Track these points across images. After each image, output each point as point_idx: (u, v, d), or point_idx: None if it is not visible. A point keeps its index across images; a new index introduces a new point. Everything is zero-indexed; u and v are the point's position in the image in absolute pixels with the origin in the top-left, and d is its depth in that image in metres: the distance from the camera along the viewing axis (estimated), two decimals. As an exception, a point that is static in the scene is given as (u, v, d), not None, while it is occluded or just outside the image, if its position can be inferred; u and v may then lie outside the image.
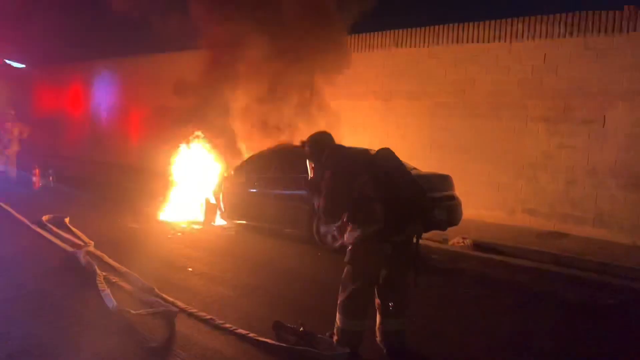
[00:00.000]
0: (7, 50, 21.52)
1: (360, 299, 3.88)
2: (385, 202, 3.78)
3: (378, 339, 4.03)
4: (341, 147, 4.26)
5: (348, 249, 3.94)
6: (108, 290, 4.93)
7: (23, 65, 25.68)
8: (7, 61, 27.87)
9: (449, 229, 7.96)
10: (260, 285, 5.68)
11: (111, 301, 4.64)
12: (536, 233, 9.08)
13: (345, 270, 3.94)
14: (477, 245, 8.34)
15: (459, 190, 8.08)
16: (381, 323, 4.02)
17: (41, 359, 3.71)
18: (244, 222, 8.83)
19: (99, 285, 5.12)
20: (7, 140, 12.87)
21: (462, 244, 8.50)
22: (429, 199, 4.05)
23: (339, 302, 3.93)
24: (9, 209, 9.17)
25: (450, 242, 8.57)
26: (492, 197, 10.00)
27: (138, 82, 17.23)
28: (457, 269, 7.09)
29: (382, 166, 3.94)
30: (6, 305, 4.69)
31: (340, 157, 4.05)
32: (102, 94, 19.07)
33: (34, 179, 12.25)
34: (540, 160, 9.51)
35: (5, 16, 19.95)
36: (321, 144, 4.17)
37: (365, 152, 4.08)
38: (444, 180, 7.81)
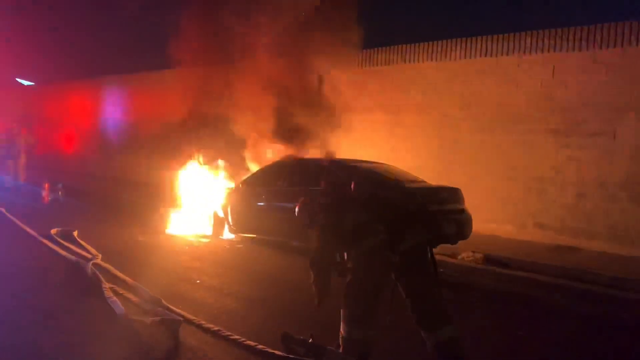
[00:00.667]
0: (17, 67, 21.87)
1: (364, 307, 3.81)
2: (379, 218, 3.84)
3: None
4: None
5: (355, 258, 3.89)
6: (115, 299, 4.90)
7: (32, 83, 26.06)
8: (18, 79, 28.30)
9: (459, 243, 7.89)
10: (268, 297, 5.62)
11: (119, 307, 4.61)
12: (547, 247, 8.97)
13: (347, 280, 3.89)
14: (488, 260, 8.22)
15: (467, 204, 8.02)
16: (425, 338, 3.87)
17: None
18: (252, 235, 8.79)
19: (105, 292, 5.09)
20: (17, 151, 13.10)
21: (473, 258, 8.40)
22: (423, 204, 4.08)
23: (341, 312, 3.87)
24: (19, 223, 9.19)
25: (460, 257, 8.47)
26: (502, 211, 9.92)
27: (146, 98, 17.36)
28: (468, 282, 7.00)
29: (365, 192, 4.04)
30: (12, 315, 4.66)
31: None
32: (111, 111, 19.24)
33: (44, 192, 12.31)
34: (550, 173, 9.43)
35: (15, 33, 20.31)
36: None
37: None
38: (453, 193, 7.76)
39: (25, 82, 28.69)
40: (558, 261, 8.00)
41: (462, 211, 7.74)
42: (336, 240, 3.92)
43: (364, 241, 3.83)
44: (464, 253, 8.48)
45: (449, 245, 8.16)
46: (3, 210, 10.04)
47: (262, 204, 8.55)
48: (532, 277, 7.36)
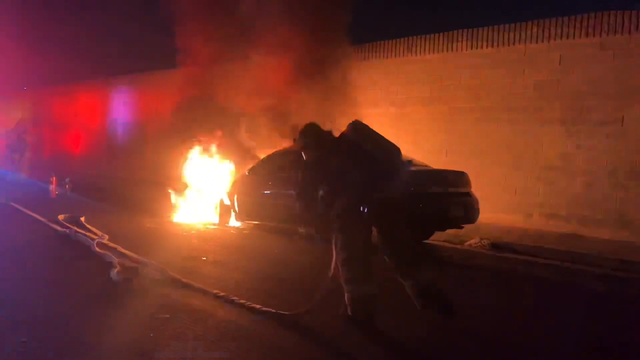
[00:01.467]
0: (27, 67, 22.11)
1: (358, 264, 3.90)
2: (361, 168, 4.04)
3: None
4: (321, 132, 4.42)
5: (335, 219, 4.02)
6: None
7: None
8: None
9: (467, 231, 7.84)
10: (274, 274, 5.59)
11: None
12: (555, 235, 8.90)
13: (336, 241, 3.96)
14: (495, 246, 8.18)
15: (475, 195, 7.96)
16: (407, 287, 4.03)
17: (56, 332, 3.68)
18: (258, 222, 8.80)
19: (113, 263, 5.12)
20: (23, 147, 13.33)
21: (480, 244, 8.35)
22: (400, 158, 4.24)
23: (340, 274, 3.92)
24: (27, 211, 9.25)
25: (467, 243, 8.43)
26: (510, 201, 9.87)
27: (154, 97, 17.44)
28: (475, 265, 6.94)
29: (353, 141, 4.19)
30: (19, 290, 4.67)
31: (320, 140, 4.32)
32: (118, 110, 19.36)
33: (51, 187, 12.35)
34: (558, 162, 9.38)
35: (24, 34, 20.55)
36: (307, 134, 4.40)
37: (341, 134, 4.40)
38: (459, 177, 7.73)
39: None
40: (565, 247, 7.94)
41: (468, 194, 7.71)
42: (319, 180, 4.15)
43: (343, 192, 4.03)
44: (471, 240, 8.43)
45: (456, 232, 8.18)
46: (8, 202, 10.09)
47: (268, 191, 8.55)
48: (538, 261, 7.31)
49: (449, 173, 7.67)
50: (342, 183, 4.05)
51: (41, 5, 22.99)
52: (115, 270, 4.90)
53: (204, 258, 6.11)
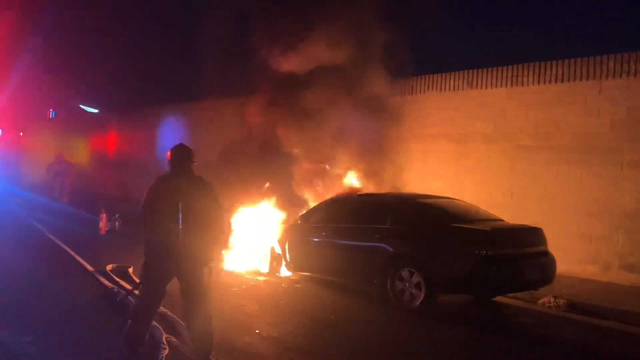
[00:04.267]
0: (80, 95, 22.75)
1: None
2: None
3: None
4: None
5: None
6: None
7: (96, 111, 26.87)
8: (82, 106, 29.33)
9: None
10: (334, 354, 5.08)
11: None
12: (638, 292, 8.02)
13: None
14: (572, 306, 7.40)
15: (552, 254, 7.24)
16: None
17: None
18: (310, 274, 8.30)
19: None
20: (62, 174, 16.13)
21: (554, 304, 7.58)
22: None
23: None
24: (74, 255, 9.17)
25: (540, 302, 7.67)
26: (584, 250, 9.01)
27: (203, 126, 17.34)
28: (553, 337, 6.22)
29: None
30: None
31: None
32: (168, 138, 19.37)
33: (101, 223, 12.27)
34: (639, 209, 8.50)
35: (78, 62, 21.07)
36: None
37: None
38: (534, 234, 7.00)
39: (89, 109, 29.63)
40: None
41: (545, 254, 6.99)
42: None
43: None
44: (544, 298, 7.67)
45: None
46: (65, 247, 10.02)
47: (322, 240, 8.05)
48: (626, 329, 6.50)
49: (524, 230, 6.97)
50: None
51: (94, 36, 23.55)
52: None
53: (257, 331, 5.64)
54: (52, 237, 10.97)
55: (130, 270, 8.08)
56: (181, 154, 4.89)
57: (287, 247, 8.57)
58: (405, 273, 6.78)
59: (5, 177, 21.10)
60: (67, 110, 28.33)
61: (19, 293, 6.65)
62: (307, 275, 8.36)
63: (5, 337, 5.01)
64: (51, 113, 30.10)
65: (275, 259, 8.73)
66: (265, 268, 8.89)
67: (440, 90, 11.24)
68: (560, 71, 9.48)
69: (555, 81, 9.54)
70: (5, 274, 7.67)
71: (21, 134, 27.68)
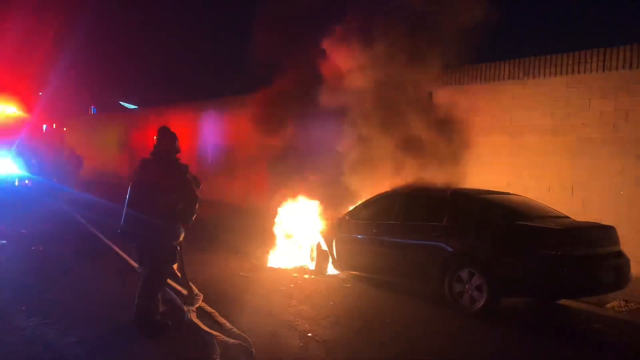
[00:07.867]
0: (120, 91, 23.05)
1: None
2: None
3: None
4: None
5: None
6: None
7: (135, 107, 27.16)
8: (122, 103, 29.73)
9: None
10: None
11: None
12: None
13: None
14: (646, 312, 6.80)
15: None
16: None
17: None
18: (359, 273, 7.91)
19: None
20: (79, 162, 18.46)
21: (625, 308, 6.99)
22: None
23: None
24: (112, 245, 9.16)
25: (608, 305, 7.08)
26: (656, 250, 8.33)
27: (244, 120, 17.12)
28: (631, 346, 5.67)
29: None
30: None
31: None
32: (209, 134, 19.30)
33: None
34: None
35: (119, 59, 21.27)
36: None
37: None
38: (607, 233, 6.42)
39: (129, 105, 30.01)
40: None
41: (620, 254, 6.40)
42: None
43: None
44: (614, 302, 7.09)
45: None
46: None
47: (372, 238, 7.65)
48: None
49: (596, 229, 6.39)
50: None
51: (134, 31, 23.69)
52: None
53: (309, 334, 5.30)
54: (97, 232, 10.88)
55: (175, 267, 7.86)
56: (162, 138, 5.39)
57: (334, 244, 8.20)
58: (464, 274, 6.33)
59: (48, 173, 21.15)
60: (107, 107, 28.74)
61: (65, 292, 6.54)
62: (355, 274, 7.97)
63: (50, 337, 4.86)
64: (92, 109, 30.65)
65: (322, 256, 8.36)
66: (311, 265, 8.56)
67: (495, 79, 10.61)
68: (626, 56, 8.79)
69: (621, 67, 8.86)
70: (49, 272, 7.60)
71: (65, 129, 28.22)
